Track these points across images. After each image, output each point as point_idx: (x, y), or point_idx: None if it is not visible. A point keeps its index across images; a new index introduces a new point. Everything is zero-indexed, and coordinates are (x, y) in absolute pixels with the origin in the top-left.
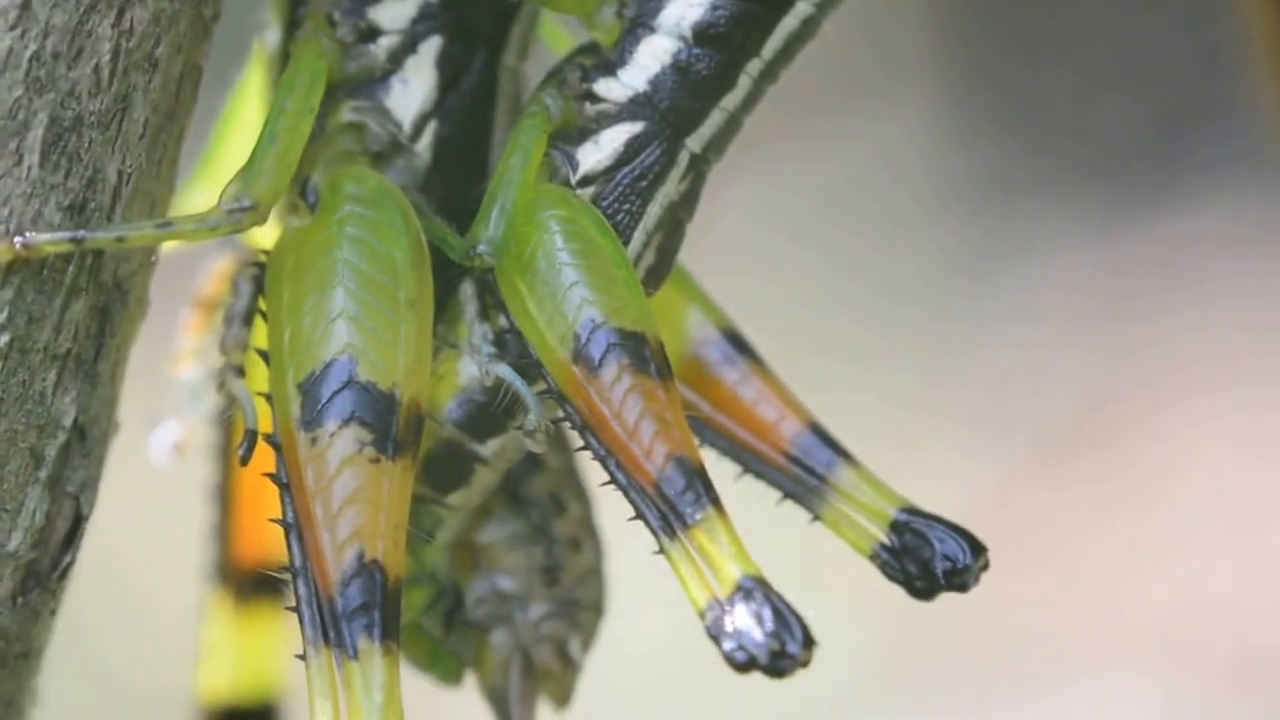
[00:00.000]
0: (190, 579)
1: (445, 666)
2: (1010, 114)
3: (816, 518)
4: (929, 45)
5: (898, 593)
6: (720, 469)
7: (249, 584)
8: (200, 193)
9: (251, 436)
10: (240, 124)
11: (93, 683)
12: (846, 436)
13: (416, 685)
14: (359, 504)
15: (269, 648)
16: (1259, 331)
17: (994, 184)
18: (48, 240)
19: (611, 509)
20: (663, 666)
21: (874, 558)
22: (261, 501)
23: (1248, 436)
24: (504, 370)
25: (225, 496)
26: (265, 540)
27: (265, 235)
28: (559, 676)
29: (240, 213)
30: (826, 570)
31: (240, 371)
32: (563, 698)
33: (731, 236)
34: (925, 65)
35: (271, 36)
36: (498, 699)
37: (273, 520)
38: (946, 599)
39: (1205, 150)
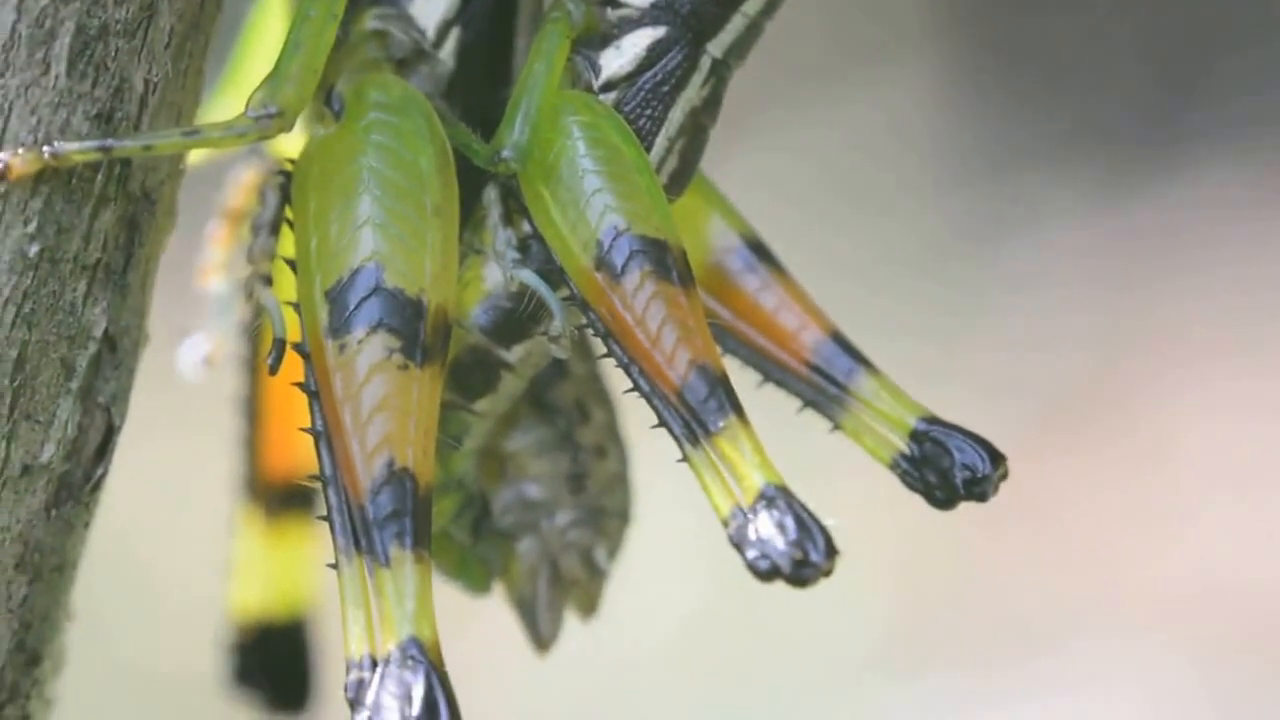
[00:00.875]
0: (205, 565)
1: (473, 575)
2: (1013, 80)
3: (837, 426)
4: (931, 10)
5: (910, 559)
6: (741, 380)
7: (278, 497)
8: (225, 103)
9: (280, 345)
10: (263, 34)
11: (108, 669)
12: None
13: (446, 594)
14: (388, 411)
15: (299, 561)
16: (1264, 296)
17: (997, 150)
18: (76, 149)
19: (635, 416)
20: (690, 626)
21: (894, 466)
22: (290, 414)
23: (1254, 400)
24: (528, 276)
25: (253, 409)
26: (294, 453)
27: (290, 144)
28: (585, 585)
29: (266, 120)
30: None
31: (268, 281)
32: (589, 606)
33: (733, 203)
34: (928, 30)
35: None
36: (525, 607)
37: (302, 430)
38: (958, 565)
39: (1208, 117)
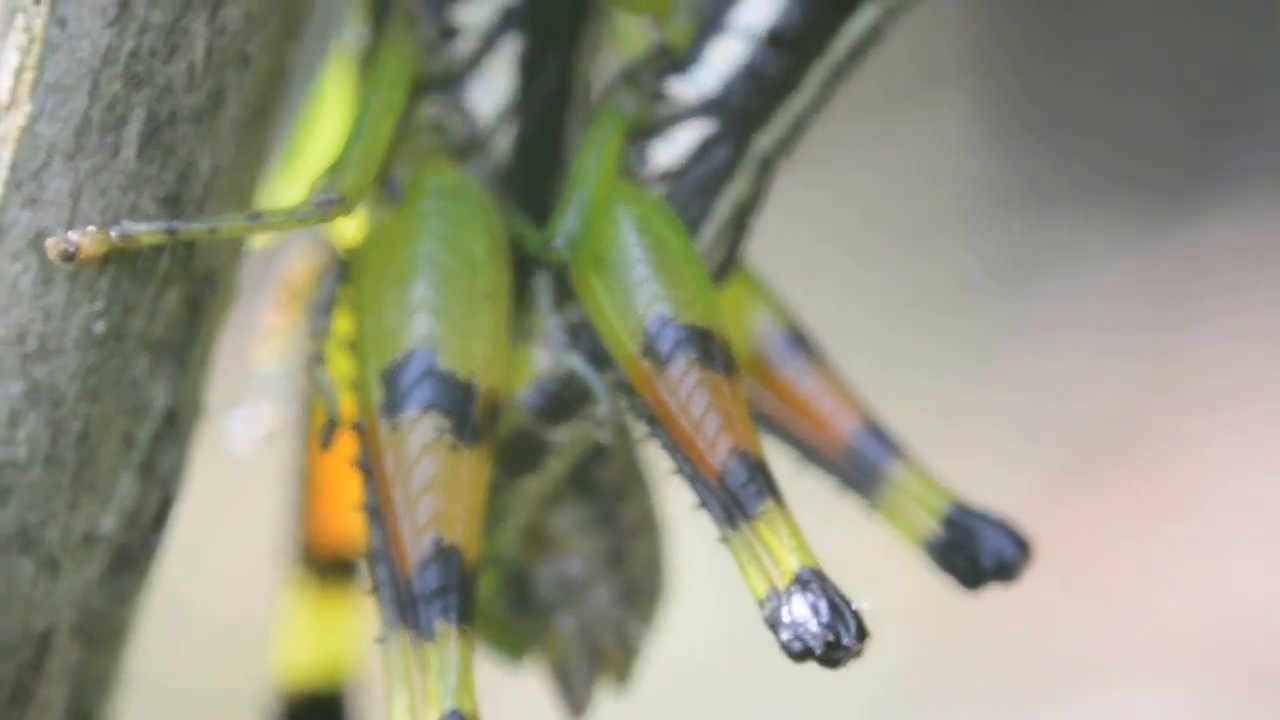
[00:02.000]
0: (235, 588)
1: (510, 646)
2: (1046, 120)
3: (872, 509)
4: (966, 50)
5: (930, 599)
6: (778, 463)
7: (327, 567)
8: (281, 188)
9: (333, 422)
10: (319, 121)
11: (139, 691)
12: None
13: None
14: (437, 490)
15: (345, 630)
16: None
17: (1030, 190)
18: (144, 230)
19: (676, 498)
20: (704, 660)
21: (926, 549)
22: (340, 487)
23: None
24: (576, 361)
25: (305, 481)
26: (343, 525)
27: (347, 229)
28: (619, 658)
29: (328, 205)
30: (861, 576)
31: (323, 360)
32: (622, 678)
33: (767, 240)
34: (962, 70)
35: (351, 36)
36: (560, 677)
37: (353, 505)
38: (978, 606)
39: (1241, 158)
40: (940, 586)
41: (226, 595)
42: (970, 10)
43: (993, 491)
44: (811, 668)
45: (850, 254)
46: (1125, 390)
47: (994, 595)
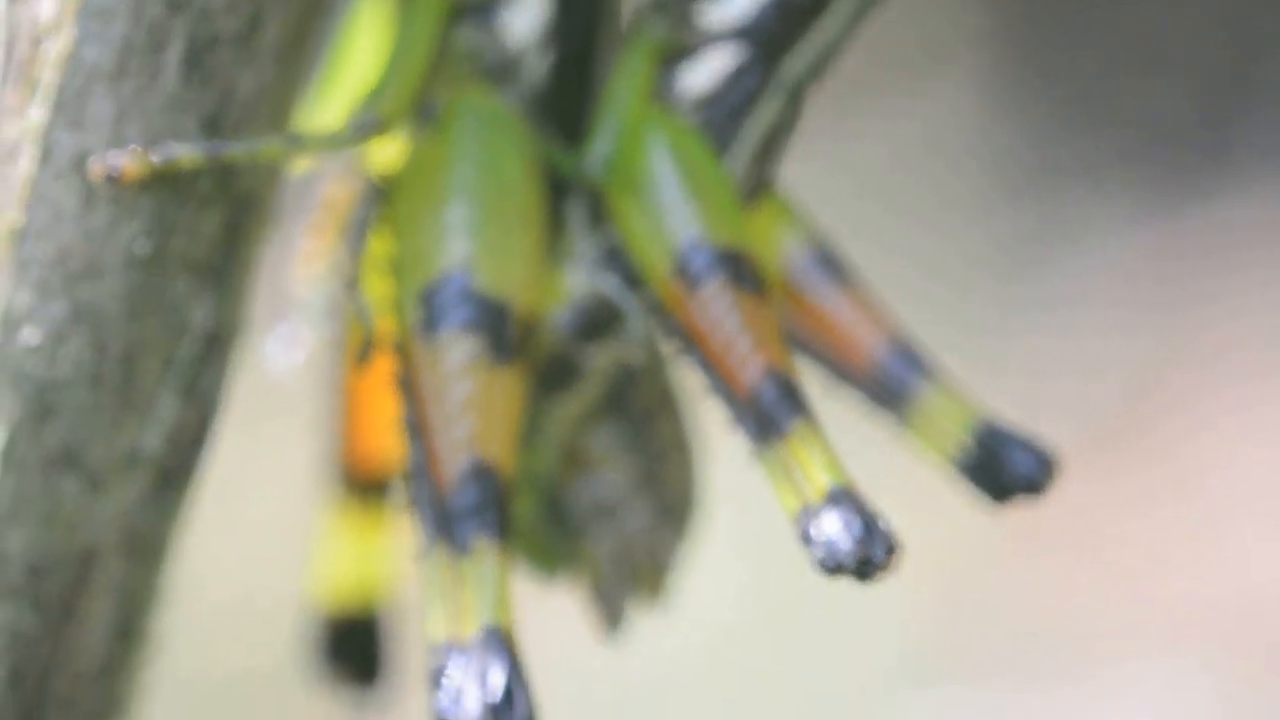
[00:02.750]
0: (241, 568)
1: (546, 564)
2: (1055, 97)
3: (901, 427)
4: (975, 25)
5: (941, 574)
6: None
7: (365, 489)
8: (319, 112)
9: (370, 342)
10: (355, 46)
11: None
12: (888, 419)
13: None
14: (474, 408)
15: (383, 549)
16: None
17: (1039, 168)
18: (185, 153)
19: (709, 416)
20: (722, 631)
21: (954, 466)
22: (379, 407)
23: None
24: (610, 283)
25: (344, 403)
26: (381, 446)
27: (385, 153)
28: (653, 575)
29: (366, 128)
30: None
31: (360, 282)
32: (656, 594)
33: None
34: (971, 46)
35: None
36: (594, 593)
37: (390, 425)
38: (988, 581)
39: (1252, 137)
40: (949, 563)
41: (232, 577)
42: None
43: None
44: (828, 642)
45: (855, 231)
46: (1136, 367)
47: (1005, 570)
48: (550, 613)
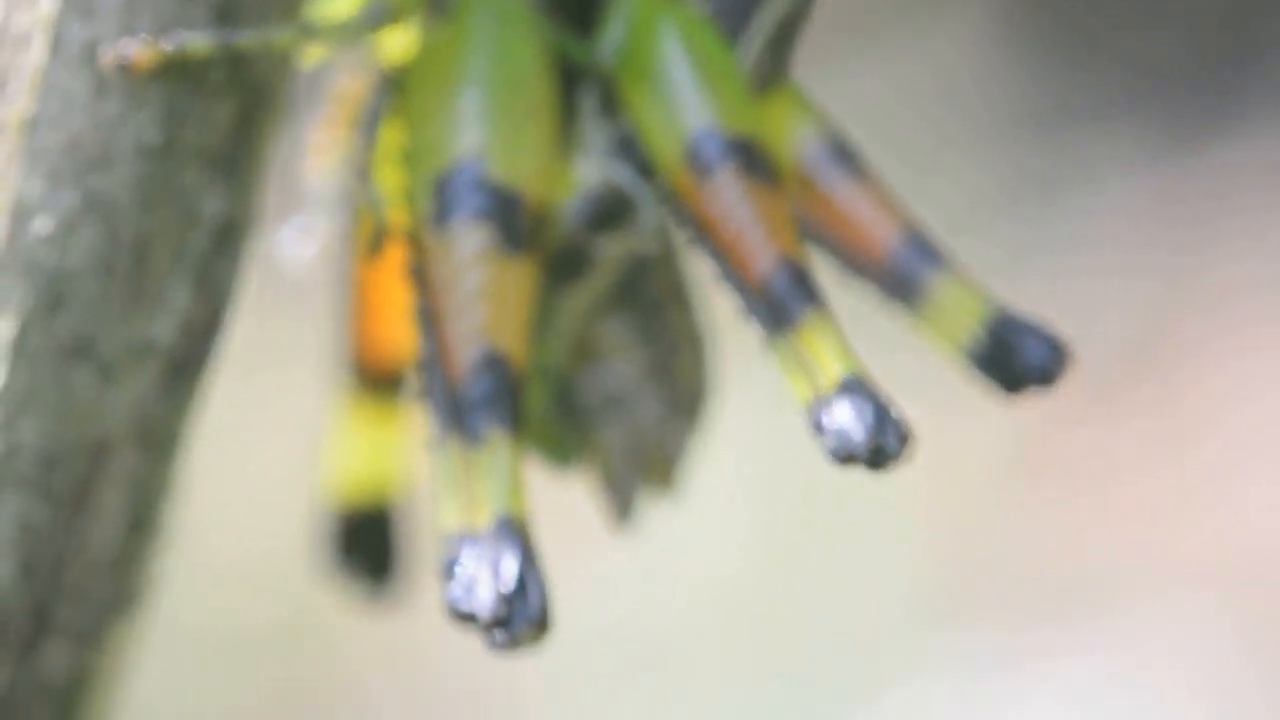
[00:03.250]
0: (250, 521)
1: (558, 454)
2: (1063, 38)
3: (912, 318)
4: None
5: (953, 515)
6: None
7: (377, 381)
8: (330, 1)
9: (382, 233)
10: None
11: (155, 622)
12: (893, 364)
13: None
14: (486, 298)
15: (395, 442)
16: None
17: (1045, 107)
18: (196, 41)
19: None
20: (730, 577)
21: (967, 356)
22: (391, 300)
23: None
24: (622, 172)
25: (356, 295)
26: (392, 338)
27: (397, 42)
28: (664, 466)
29: (378, 17)
30: (883, 493)
31: (372, 171)
32: (666, 483)
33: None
34: None
35: None
36: (606, 485)
37: (402, 316)
38: (998, 524)
39: (1263, 80)
40: (960, 504)
41: (237, 533)
42: None
43: (1011, 414)
44: (839, 585)
45: None
46: (1143, 311)
47: (1017, 512)
48: (557, 560)
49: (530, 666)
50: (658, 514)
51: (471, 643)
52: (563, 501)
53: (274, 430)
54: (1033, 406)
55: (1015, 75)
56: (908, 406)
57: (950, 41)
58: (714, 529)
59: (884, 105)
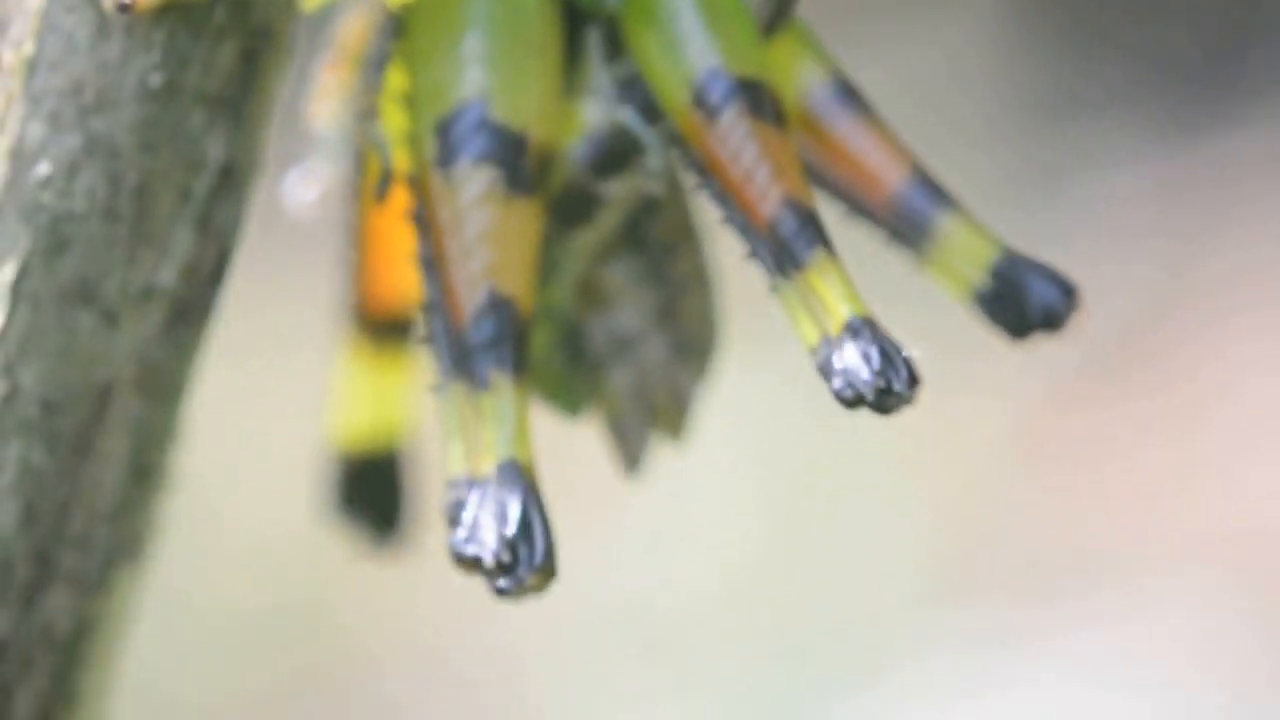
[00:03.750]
0: (261, 504)
1: (566, 400)
2: (1069, 28)
3: (920, 262)
4: None
5: (958, 497)
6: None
7: (381, 326)
8: None
9: (387, 176)
10: None
11: (166, 605)
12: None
13: (541, 418)
14: (491, 240)
15: (400, 388)
16: None
17: (1053, 95)
18: None
19: (727, 247)
20: (744, 558)
21: (973, 301)
22: (394, 245)
23: None
24: (627, 114)
25: (359, 240)
26: (397, 283)
27: None
28: (673, 413)
29: None
30: (889, 481)
31: (376, 115)
32: (676, 432)
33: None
34: None
35: None
36: (615, 430)
37: (407, 260)
38: (1005, 505)
39: (1264, 68)
40: (966, 486)
41: (252, 513)
42: None
43: (1012, 396)
44: (848, 567)
45: None
46: (1146, 296)
47: (1022, 492)
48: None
49: (540, 648)
50: (664, 496)
51: (484, 625)
52: (567, 480)
53: (288, 414)
54: (1030, 391)
55: (1022, 65)
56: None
57: (960, 33)
58: (719, 509)
59: (892, 94)
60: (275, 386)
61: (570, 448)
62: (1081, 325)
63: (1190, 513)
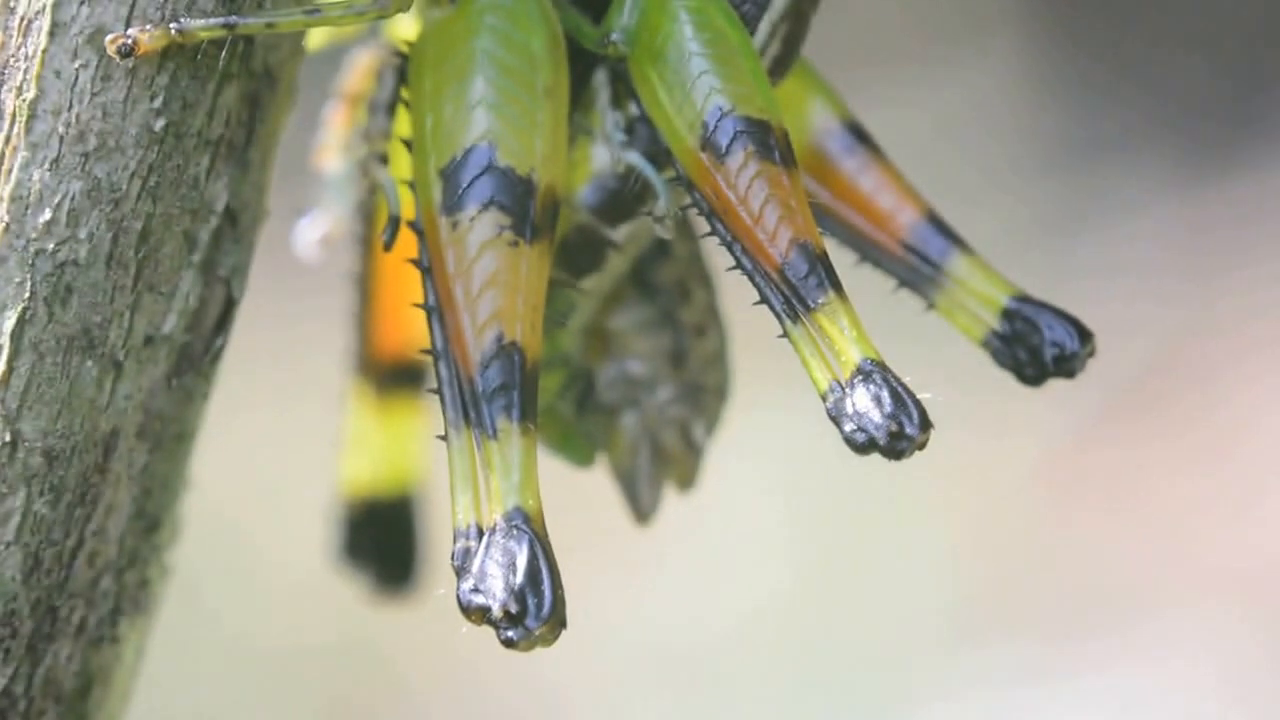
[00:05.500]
0: (303, 538)
1: (577, 448)
2: (1091, 69)
3: (931, 306)
4: None
5: (983, 534)
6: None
7: (389, 374)
8: None
9: (394, 222)
10: None
11: (209, 640)
12: (922, 386)
13: (551, 468)
14: (498, 287)
15: (409, 436)
16: None
17: (1076, 138)
18: (201, 26)
19: (737, 295)
20: (772, 596)
21: (986, 344)
22: (402, 291)
23: None
24: (635, 157)
25: (367, 286)
26: (405, 330)
27: (406, 28)
28: (684, 459)
29: (385, 1)
30: (913, 510)
31: (384, 160)
32: (686, 480)
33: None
34: (1008, 16)
35: None
36: (626, 479)
37: (415, 305)
38: (1030, 542)
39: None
40: (991, 524)
41: (294, 547)
42: None
43: (1036, 435)
44: (874, 605)
45: None
46: (1167, 336)
47: (1045, 532)
48: (594, 577)
49: (577, 680)
50: (696, 536)
51: (523, 660)
52: (601, 521)
53: (330, 455)
54: (1054, 431)
55: (1044, 108)
56: (934, 430)
57: (982, 75)
58: (750, 550)
59: (915, 136)
60: (315, 429)
61: (602, 489)
62: (1103, 367)
63: (1213, 549)
